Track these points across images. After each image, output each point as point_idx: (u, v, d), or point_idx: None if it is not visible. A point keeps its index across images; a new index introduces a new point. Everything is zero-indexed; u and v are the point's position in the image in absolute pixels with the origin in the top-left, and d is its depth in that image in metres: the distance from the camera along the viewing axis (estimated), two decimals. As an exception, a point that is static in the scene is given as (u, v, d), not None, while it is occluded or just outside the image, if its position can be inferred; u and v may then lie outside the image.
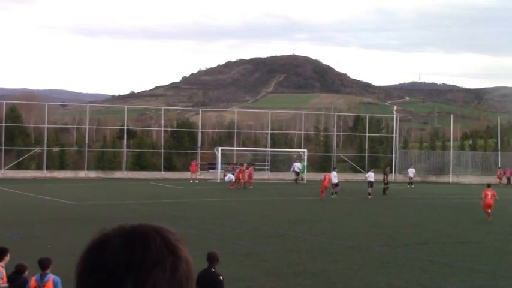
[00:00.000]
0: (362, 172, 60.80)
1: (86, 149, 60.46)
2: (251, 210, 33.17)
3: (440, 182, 62.30)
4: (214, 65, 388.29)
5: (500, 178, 59.94)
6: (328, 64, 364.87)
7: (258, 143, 71.22)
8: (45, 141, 58.78)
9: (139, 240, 1.50)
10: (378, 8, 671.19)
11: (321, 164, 66.69)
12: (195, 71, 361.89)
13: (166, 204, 34.56)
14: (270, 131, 67.66)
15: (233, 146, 64.47)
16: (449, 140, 70.82)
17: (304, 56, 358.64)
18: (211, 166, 59.79)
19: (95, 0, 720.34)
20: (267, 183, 53.49)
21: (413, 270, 17.44)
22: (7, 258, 11.54)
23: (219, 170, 57.09)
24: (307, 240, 22.49)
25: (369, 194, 41.21)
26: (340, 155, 68.61)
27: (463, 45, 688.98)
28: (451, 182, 62.93)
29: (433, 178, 64.30)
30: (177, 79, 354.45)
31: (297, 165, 56.87)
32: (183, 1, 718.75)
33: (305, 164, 58.41)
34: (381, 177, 46.70)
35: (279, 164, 64.51)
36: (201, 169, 59.66)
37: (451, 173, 64.52)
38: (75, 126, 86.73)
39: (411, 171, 56.00)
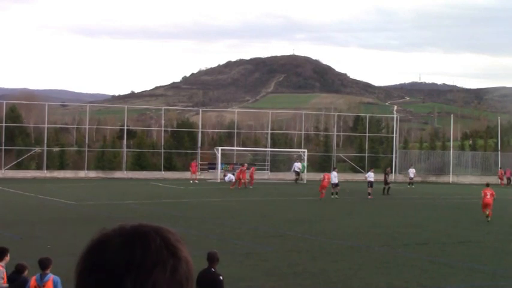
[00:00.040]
0: (362, 172, 60.81)
1: (86, 149, 60.47)
2: (251, 210, 33.17)
3: (440, 182, 62.31)
4: (214, 65, 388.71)
5: (501, 178, 59.93)
6: (328, 64, 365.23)
7: (258, 143, 71.23)
8: (45, 141, 58.78)
9: (139, 241, 1.50)
10: (378, 8, 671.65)
11: (321, 164, 66.70)
12: (195, 71, 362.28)
13: (166, 204, 34.56)
14: (270, 131, 67.66)
15: (233, 146, 64.48)
16: (449, 140, 70.84)
17: (304, 56, 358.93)
18: (211, 166, 59.79)
19: (95, 0, 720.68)
20: (267, 183, 53.48)
21: (414, 270, 17.44)
22: (7, 258, 11.55)
23: (219, 170, 57.09)
24: (307, 240, 22.49)
25: (369, 194, 41.21)
26: (340, 155, 68.62)
27: (463, 45, 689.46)
28: (451, 182, 62.94)
29: (433, 178, 64.31)
30: (177, 79, 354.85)
31: (297, 165, 56.89)
32: (183, 1, 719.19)
33: (305, 164, 58.43)
34: (380, 177, 46.73)
35: (279, 164, 64.51)
36: (201, 169, 59.66)
37: (451, 173, 64.52)
38: (75, 126, 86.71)
39: (411, 172, 55.99)
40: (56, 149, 64.16)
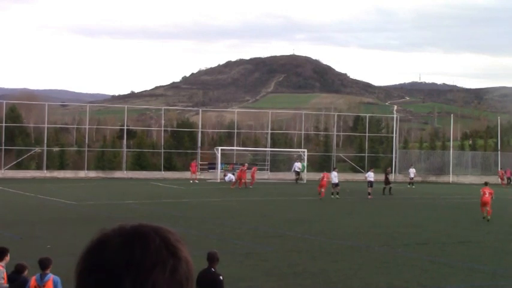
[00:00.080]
0: (362, 172, 60.81)
1: (86, 149, 60.47)
2: (251, 210, 33.17)
3: (440, 182, 62.31)
4: (214, 65, 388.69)
5: (502, 179, 59.84)
6: (328, 64, 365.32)
7: (258, 143, 71.22)
8: (45, 141, 58.78)
9: (139, 241, 1.50)
10: (378, 8, 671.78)
11: (321, 164, 66.68)
12: (195, 71, 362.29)
13: (166, 204, 34.56)
14: (270, 131, 67.66)
15: (233, 146, 64.48)
16: (449, 140, 70.84)
17: (304, 56, 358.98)
18: (211, 166, 59.79)
19: (95, 0, 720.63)
20: (267, 183, 53.47)
21: (414, 270, 17.44)
22: (7, 258, 11.55)
23: (219, 170, 57.09)
24: (307, 240, 22.49)
25: (369, 194, 41.21)
26: (340, 154, 68.62)
27: (463, 45, 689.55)
28: (451, 182, 62.95)
29: (433, 178, 64.30)
30: (177, 79, 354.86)
31: (297, 165, 56.92)
32: (183, 1, 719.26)
33: (305, 164, 58.44)
34: (380, 177, 46.73)
35: (279, 164, 64.51)
36: (201, 169, 59.66)
37: (451, 173, 64.53)
38: (75, 126, 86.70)
39: (412, 171, 56.00)
40: (56, 149, 64.16)
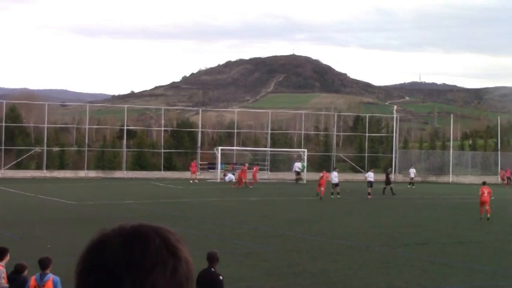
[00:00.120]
0: (362, 172, 60.82)
1: (86, 149, 60.48)
2: (251, 210, 33.17)
3: (440, 182, 62.31)
4: (214, 65, 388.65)
5: (503, 179, 59.71)
6: (328, 64, 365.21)
7: (258, 143, 71.23)
8: (45, 141, 58.78)
9: (139, 241, 1.50)
10: (378, 8, 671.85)
11: (321, 164, 66.59)
12: (195, 71, 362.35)
13: (166, 204, 34.56)
14: (270, 131, 67.67)
15: (233, 146, 64.48)
16: (449, 140, 70.86)
17: (304, 56, 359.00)
18: (211, 166, 59.80)
19: (95, 0, 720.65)
20: (267, 183, 53.47)
21: (413, 270, 17.44)
22: (7, 258, 11.55)
23: (219, 170, 57.10)
24: (307, 240, 22.49)
25: (369, 194, 41.22)
26: (340, 154, 68.63)
27: (463, 45, 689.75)
28: (451, 182, 62.95)
29: (433, 178, 64.31)
30: (177, 79, 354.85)
31: (298, 165, 56.95)
32: (183, 1, 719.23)
33: (305, 164, 58.44)
34: (380, 177, 46.76)
35: (279, 163, 64.53)
36: (201, 169, 59.66)
37: (451, 173, 64.53)
38: (75, 126, 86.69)
39: (412, 172, 56.05)
40: (56, 148, 64.16)
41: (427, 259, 19.13)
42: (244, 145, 71.76)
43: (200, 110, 75.28)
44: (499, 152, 66.28)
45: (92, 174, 58.26)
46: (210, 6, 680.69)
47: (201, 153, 63.24)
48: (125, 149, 61.52)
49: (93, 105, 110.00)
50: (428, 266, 18.14)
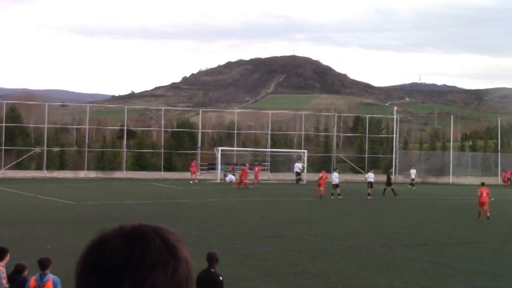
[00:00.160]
0: (362, 173, 60.83)
1: (86, 149, 60.48)
2: (251, 210, 33.18)
3: (440, 183, 62.32)
4: (214, 65, 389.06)
5: (504, 181, 59.55)
6: (328, 65, 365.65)
7: (258, 144, 71.22)
8: (45, 141, 58.80)
9: (139, 241, 1.50)
10: (378, 8, 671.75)
11: (321, 165, 66.58)
12: (195, 71, 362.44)
13: (167, 205, 34.58)
14: (270, 132, 67.69)
15: (233, 147, 64.50)
16: (449, 141, 70.85)
17: (304, 57, 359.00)
18: (211, 166, 59.82)
19: (95, 0, 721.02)
20: (267, 184, 53.48)
21: (413, 271, 17.44)
22: (7, 258, 11.55)
23: (219, 171, 57.13)
24: (307, 240, 22.49)
25: (369, 194, 41.23)
26: (340, 155, 68.64)
27: (463, 46, 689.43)
28: (450, 182, 62.96)
29: (433, 179, 64.32)
30: (177, 79, 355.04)
31: (298, 166, 57.00)
32: (183, 1, 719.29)
33: (305, 164, 58.47)
34: (380, 178, 46.81)
35: (279, 164, 64.54)
36: (201, 169, 59.68)
37: (451, 174, 64.54)
38: (75, 126, 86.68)
39: (413, 172, 56.10)
40: (56, 149, 64.15)
41: (427, 260, 19.14)
42: (244, 146, 71.73)
43: (200, 110, 75.32)
44: (499, 153, 66.27)
45: (92, 174, 58.27)
46: (210, 6, 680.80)
47: (201, 153, 63.26)
48: (125, 150, 61.53)
49: (93, 106, 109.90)
50: (428, 266, 18.15)
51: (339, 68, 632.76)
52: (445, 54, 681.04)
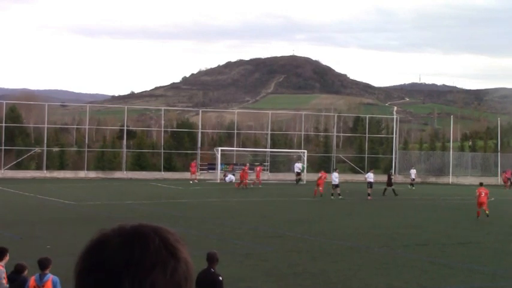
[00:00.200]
0: (362, 173, 60.82)
1: (86, 149, 60.48)
2: (251, 210, 33.18)
3: (440, 183, 62.33)
4: (214, 65, 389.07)
5: (505, 181, 59.51)
6: (328, 65, 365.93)
7: (258, 144, 71.21)
8: (45, 141, 58.80)
9: (139, 241, 1.49)
10: (378, 8, 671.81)
11: (321, 165, 66.60)
12: (195, 72, 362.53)
13: (166, 205, 34.58)
14: (270, 132, 67.70)
15: (233, 147, 64.49)
16: (449, 141, 70.84)
17: (304, 57, 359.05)
18: (211, 166, 59.83)
19: (95, 0, 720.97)
20: (266, 184, 53.48)
21: (413, 271, 17.44)
22: (7, 258, 11.55)
23: (219, 171, 57.13)
24: (307, 240, 22.49)
25: (369, 194, 41.23)
26: (340, 155, 68.64)
27: (463, 46, 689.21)
28: (450, 183, 62.97)
29: (432, 179, 64.32)
30: (177, 79, 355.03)
31: (298, 166, 57.02)
32: (183, 1, 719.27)
33: (304, 165, 58.47)
34: (379, 178, 46.84)
35: (279, 164, 64.54)
36: (201, 169, 59.69)
37: (450, 174, 64.54)
38: (75, 127, 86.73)
39: (413, 172, 56.10)
40: (56, 149, 64.15)
41: (427, 260, 19.14)
42: (244, 146, 71.73)
43: (200, 110, 75.35)
44: (498, 153, 66.26)
45: (92, 174, 58.27)
46: (210, 6, 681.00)
47: (201, 153, 63.26)
48: (124, 150, 61.52)
49: (93, 106, 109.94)
50: (428, 266, 18.15)
51: (338, 68, 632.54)
52: (444, 54, 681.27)
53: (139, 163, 63.27)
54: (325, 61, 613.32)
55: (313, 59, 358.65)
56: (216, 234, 23.48)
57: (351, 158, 68.25)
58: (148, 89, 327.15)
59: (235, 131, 67.66)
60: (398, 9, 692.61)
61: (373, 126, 74.52)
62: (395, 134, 69.19)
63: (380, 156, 69.63)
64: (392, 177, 46.45)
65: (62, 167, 61.29)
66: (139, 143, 66.79)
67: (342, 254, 20.15)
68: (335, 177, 41.70)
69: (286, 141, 77.81)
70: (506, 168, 62.35)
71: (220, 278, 10.41)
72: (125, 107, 69.35)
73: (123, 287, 1.44)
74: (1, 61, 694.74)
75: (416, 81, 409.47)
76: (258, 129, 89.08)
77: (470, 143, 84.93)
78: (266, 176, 59.25)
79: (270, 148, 63.94)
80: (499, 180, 61.75)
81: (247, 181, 49.23)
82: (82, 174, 57.69)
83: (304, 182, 55.62)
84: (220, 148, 60.15)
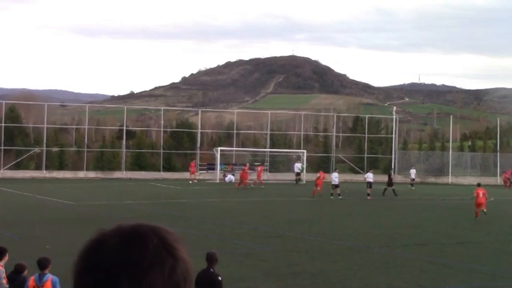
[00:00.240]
0: (361, 173, 60.81)
1: (85, 149, 60.47)
2: (251, 210, 33.19)
3: (439, 183, 62.34)
4: (213, 65, 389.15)
5: (505, 181, 59.46)
6: (327, 65, 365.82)
7: (258, 144, 71.20)
8: (45, 141, 58.79)
9: (137, 240, 1.49)
10: (378, 8, 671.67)
11: (320, 165, 66.57)
12: (194, 72, 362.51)
13: (166, 205, 34.57)
14: (269, 132, 67.70)
15: (232, 147, 64.48)
16: (448, 141, 70.82)
17: (304, 57, 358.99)
18: (211, 166, 59.82)
19: (95, 0, 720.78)
20: (266, 184, 53.45)
21: (413, 270, 17.45)
22: (6, 258, 11.55)
23: (218, 171, 57.13)
24: (307, 240, 22.50)
25: (368, 194, 41.24)
26: (340, 155, 68.62)
27: (463, 46, 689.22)
28: (450, 183, 62.98)
29: (432, 179, 64.33)
30: (177, 79, 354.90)
31: (298, 166, 57.03)
32: (183, 1, 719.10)
33: (304, 165, 58.48)
34: (379, 178, 46.87)
35: (279, 164, 64.53)
36: (200, 169, 59.69)
37: (450, 174, 64.55)
38: (75, 127, 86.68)
39: (413, 172, 56.10)
40: (55, 149, 64.12)
41: (426, 259, 19.14)
42: (243, 146, 71.69)
43: (200, 110, 75.26)
44: (498, 153, 66.28)
45: (91, 174, 58.25)
46: (210, 6, 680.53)
47: (200, 153, 63.24)
48: (124, 150, 61.51)
49: (92, 106, 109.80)
50: (427, 266, 18.16)
51: (338, 68, 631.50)
52: (444, 54, 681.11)
53: (138, 163, 63.24)
54: (324, 61, 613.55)
55: (313, 59, 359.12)
56: (216, 234, 23.48)
57: (350, 158, 68.24)
58: (147, 89, 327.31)
59: (235, 131, 67.66)
60: (398, 9, 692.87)
61: (373, 126, 74.50)
62: (395, 134, 69.17)
63: (379, 156, 69.61)
64: (393, 177, 46.48)
65: (61, 167, 61.26)
66: (138, 143, 66.76)
67: (342, 254, 20.16)
68: (335, 177, 41.71)
69: (286, 141, 77.75)
70: (506, 168, 62.37)
71: (220, 278, 10.41)
72: (125, 107, 69.36)
73: (122, 286, 1.44)
74: (1, 61, 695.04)
75: (416, 81, 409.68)
76: (258, 129, 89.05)
77: (470, 143, 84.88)
78: (265, 176, 59.20)
79: (270, 148, 63.94)
80: (498, 180, 61.75)
81: (247, 181, 49.24)
82: (81, 174, 57.67)
83: (304, 182, 55.62)
84: (219, 148, 60.13)
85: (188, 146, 64.83)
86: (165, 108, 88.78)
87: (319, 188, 41.15)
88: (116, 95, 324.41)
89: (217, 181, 55.34)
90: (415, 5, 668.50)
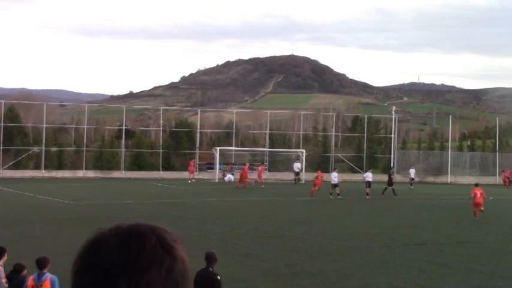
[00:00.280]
0: (360, 172, 60.80)
1: (84, 149, 60.46)
2: (251, 210, 33.18)
3: (438, 183, 62.36)
4: (213, 65, 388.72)
5: (505, 181, 59.44)
6: (326, 64, 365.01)
7: (257, 143, 71.21)
8: (44, 141, 58.77)
9: (135, 240, 1.49)
10: (378, 8, 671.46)
11: (320, 165, 66.60)
12: (193, 71, 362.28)
13: (166, 204, 34.56)
14: (268, 131, 67.70)
15: (231, 146, 64.47)
16: (447, 141, 70.85)
17: (303, 56, 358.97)
18: (210, 166, 59.82)
19: (95, 0, 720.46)
20: (265, 183, 53.45)
21: (412, 270, 17.45)
22: (5, 257, 11.55)
23: (217, 170, 57.13)
24: (307, 240, 22.49)
25: (367, 194, 41.25)
26: (339, 155, 68.63)
27: (462, 46, 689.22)
28: (449, 182, 63.00)
29: (431, 179, 64.35)
30: (176, 79, 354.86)
31: (297, 166, 57.03)
32: (183, 1, 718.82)
33: (303, 164, 58.49)
34: (378, 177, 46.88)
35: (278, 164, 64.54)
36: (199, 169, 59.68)
37: (449, 174, 64.58)
38: (74, 126, 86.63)
39: (412, 172, 56.11)
40: (54, 148, 64.10)
41: (426, 259, 19.15)
42: (242, 145, 71.69)
43: (199, 110, 75.25)
44: (497, 153, 66.33)
45: (90, 174, 58.24)
46: (210, 6, 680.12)
47: (199, 153, 63.24)
48: (123, 149, 61.50)
49: (91, 105, 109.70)
50: (426, 266, 18.16)
51: (337, 68, 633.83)
52: (444, 54, 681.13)
53: (137, 163, 63.24)
54: (323, 61, 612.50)
55: (312, 58, 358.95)
56: (216, 234, 23.47)
57: (349, 158, 68.25)
58: (147, 89, 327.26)
59: (234, 131, 67.65)
60: (398, 9, 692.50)
61: (372, 126, 74.51)
62: (394, 134, 69.18)
63: (379, 155, 69.65)
64: (393, 176, 46.48)
65: (60, 166, 61.26)
66: (137, 142, 66.75)
67: (342, 253, 20.16)
68: (334, 177, 41.69)
69: (285, 141, 77.75)
70: (505, 168, 62.39)
71: (219, 278, 10.41)
72: (124, 107, 69.33)
73: (120, 286, 1.44)
74: (1, 61, 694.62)
75: (415, 80, 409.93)
76: (257, 129, 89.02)
77: (469, 142, 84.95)
78: (265, 175, 59.18)
79: (269, 148, 63.95)
80: (497, 179, 61.77)
81: (247, 180, 49.24)
82: (80, 173, 57.66)
83: (303, 182, 55.63)
84: (218, 148, 60.14)
85: (187, 145, 64.84)
86: (164, 108, 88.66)
87: (317, 188, 41.20)
88: (115, 94, 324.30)
89: (216, 181, 55.35)
90: (415, 5, 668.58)
